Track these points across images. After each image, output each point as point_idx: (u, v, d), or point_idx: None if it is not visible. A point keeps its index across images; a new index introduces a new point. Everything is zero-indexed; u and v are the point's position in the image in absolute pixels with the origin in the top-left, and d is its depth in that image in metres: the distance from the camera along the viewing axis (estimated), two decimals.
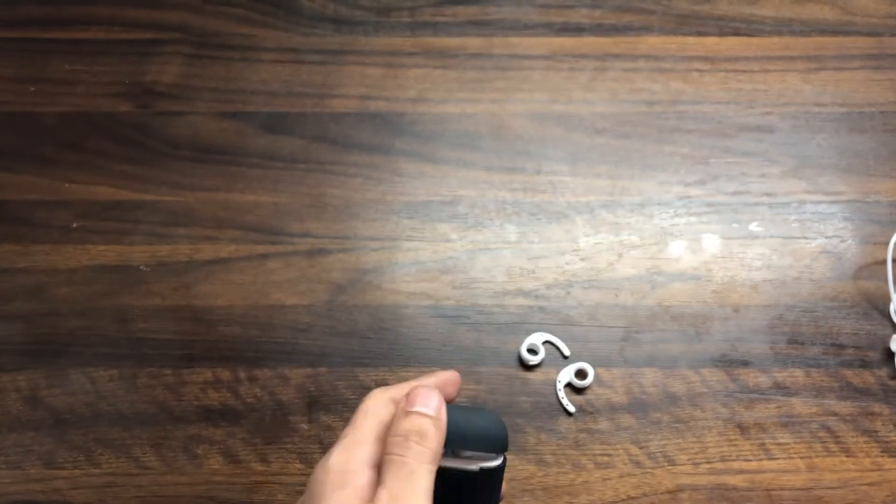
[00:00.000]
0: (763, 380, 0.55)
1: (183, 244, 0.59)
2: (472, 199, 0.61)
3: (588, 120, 0.64)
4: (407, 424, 0.32)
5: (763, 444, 0.53)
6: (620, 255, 0.59)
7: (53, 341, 0.56)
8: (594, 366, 0.55)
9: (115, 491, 0.51)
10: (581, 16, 0.68)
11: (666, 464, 0.52)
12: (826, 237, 0.60)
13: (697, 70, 0.66)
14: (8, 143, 0.63)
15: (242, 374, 0.55)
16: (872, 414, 0.53)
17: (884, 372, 0.55)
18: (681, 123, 0.64)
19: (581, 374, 0.55)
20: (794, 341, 0.56)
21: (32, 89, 0.65)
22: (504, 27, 0.68)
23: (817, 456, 0.52)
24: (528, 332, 0.56)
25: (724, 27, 0.68)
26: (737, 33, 0.68)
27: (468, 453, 0.34)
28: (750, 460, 0.52)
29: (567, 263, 0.59)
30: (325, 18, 0.68)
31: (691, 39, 0.67)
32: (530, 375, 0.55)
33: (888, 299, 0.57)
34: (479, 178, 0.62)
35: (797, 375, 0.55)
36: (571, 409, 0.53)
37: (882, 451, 0.52)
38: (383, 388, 0.36)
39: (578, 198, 0.61)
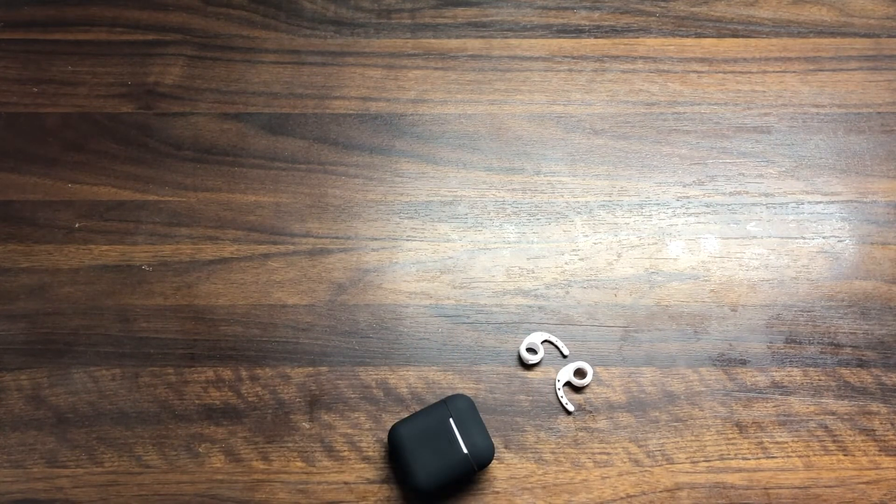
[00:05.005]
0: (761, 379, 0.55)
1: (185, 244, 0.59)
2: (472, 199, 0.61)
3: (587, 121, 0.64)
4: None
5: (761, 442, 0.53)
6: (619, 255, 0.59)
7: (56, 340, 0.56)
8: (593, 365, 0.55)
9: (118, 489, 0.52)
10: (580, 17, 0.69)
11: (664, 462, 0.52)
12: (823, 237, 0.60)
13: (696, 71, 0.66)
14: (11, 143, 0.63)
15: (244, 373, 0.55)
16: (870, 413, 0.54)
17: (881, 371, 0.55)
18: (679, 124, 0.64)
19: (580, 373, 0.55)
20: (791, 340, 0.56)
21: (35, 90, 0.65)
22: (503, 29, 0.68)
23: (815, 454, 0.53)
24: (528, 332, 0.56)
25: (722, 29, 0.68)
26: (735, 35, 0.68)
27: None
28: (748, 459, 0.52)
29: (566, 263, 0.59)
30: (326, 20, 0.69)
31: (689, 41, 0.68)
32: (530, 374, 0.55)
33: (886, 299, 0.57)
34: (479, 178, 0.62)
35: (795, 374, 0.55)
36: (570, 407, 0.54)
37: (879, 450, 0.53)
38: None
39: (577, 198, 0.61)
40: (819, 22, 0.68)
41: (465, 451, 0.49)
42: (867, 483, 0.52)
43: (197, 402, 0.54)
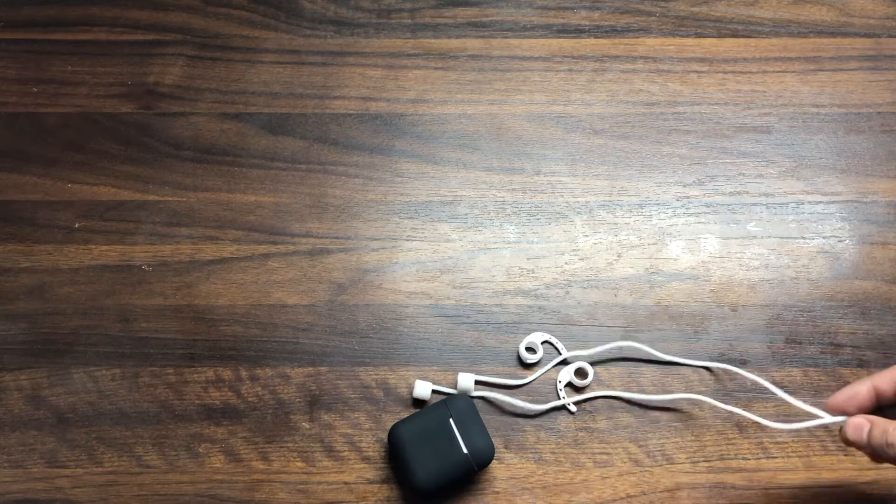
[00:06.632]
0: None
1: (185, 244, 0.59)
2: (472, 199, 0.61)
3: (587, 121, 0.64)
4: None
5: (761, 442, 0.53)
6: (619, 255, 0.59)
7: (56, 340, 0.56)
8: (593, 365, 0.55)
9: (117, 489, 0.52)
10: (580, 17, 0.69)
11: (664, 462, 0.52)
12: (823, 237, 0.60)
13: (696, 71, 0.66)
14: (11, 143, 0.63)
15: (244, 373, 0.55)
16: None
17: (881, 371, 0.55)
18: (679, 124, 0.64)
19: (581, 373, 0.55)
20: (791, 340, 0.56)
21: (35, 90, 0.65)
22: (503, 29, 0.68)
23: (815, 454, 0.53)
24: (528, 332, 0.56)
25: (722, 29, 0.68)
26: (735, 35, 0.68)
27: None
28: (748, 459, 0.52)
29: (566, 263, 0.59)
30: (326, 20, 0.69)
31: (689, 41, 0.68)
32: (530, 374, 0.55)
33: (886, 299, 0.57)
34: (479, 178, 0.62)
35: (795, 374, 0.55)
36: (573, 407, 0.54)
37: None
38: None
39: (577, 198, 0.61)
40: (819, 22, 0.68)
41: (465, 451, 0.49)
42: (867, 483, 0.52)
43: (197, 402, 0.54)
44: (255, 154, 0.63)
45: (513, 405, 0.53)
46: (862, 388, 0.44)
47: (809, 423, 0.45)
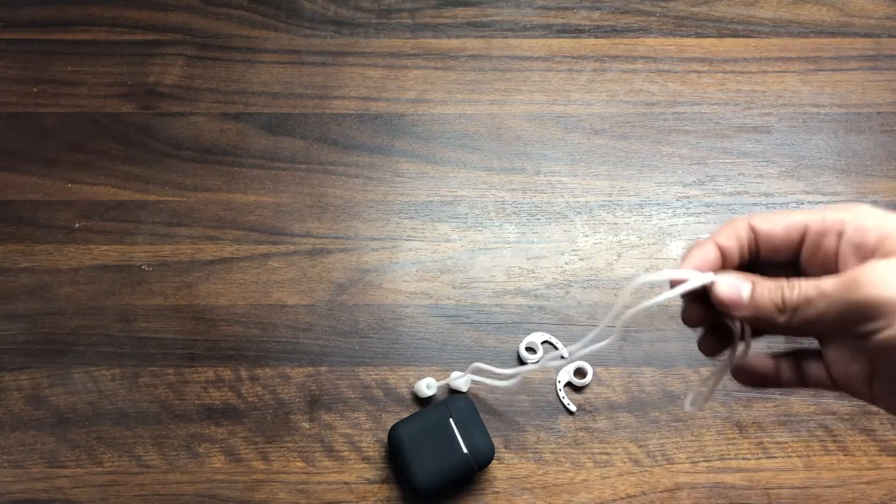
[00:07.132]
0: None
1: (185, 244, 0.59)
2: (472, 199, 0.61)
3: (587, 121, 0.64)
4: None
5: (761, 442, 0.53)
6: (619, 255, 0.59)
7: (56, 340, 0.56)
8: (593, 365, 0.55)
9: (118, 489, 0.52)
10: (580, 17, 0.69)
11: (664, 462, 0.52)
12: None
13: (696, 71, 0.66)
14: (11, 143, 0.63)
15: (244, 373, 0.55)
16: (870, 413, 0.54)
17: None
18: (679, 124, 0.64)
19: (580, 373, 0.55)
20: (791, 340, 0.56)
21: (35, 90, 0.65)
22: (503, 29, 0.68)
23: (815, 454, 0.53)
24: (528, 332, 0.56)
25: (722, 29, 0.68)
26: (735, 35, 0.68)
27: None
28: (748, 459, 0.52)
29: (566, 263, 0.59)
30: (326, 20, 0.69)
31: (690, 41, 0.68)
32: (530, 374, 0.55)
33: None
34: (479, 178, 0.62)
35: None
36: (573, 408, 0.54)
37: (880, 450, 0.53)
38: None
39: (577, 198, 0.61)
40: (819, 22, 0.68)
41: (465, 451, 0.49)
42: (867, 483, 0.52)
43: (197, 402, 0.54)
44: (255, 154, 0.63)
45: (492, 373, 0.52)
46: (739, 230, 0.32)
47: (672, 292, 0.34)
